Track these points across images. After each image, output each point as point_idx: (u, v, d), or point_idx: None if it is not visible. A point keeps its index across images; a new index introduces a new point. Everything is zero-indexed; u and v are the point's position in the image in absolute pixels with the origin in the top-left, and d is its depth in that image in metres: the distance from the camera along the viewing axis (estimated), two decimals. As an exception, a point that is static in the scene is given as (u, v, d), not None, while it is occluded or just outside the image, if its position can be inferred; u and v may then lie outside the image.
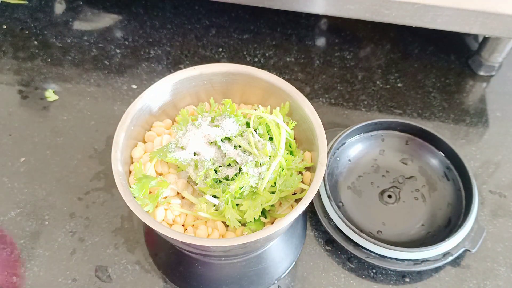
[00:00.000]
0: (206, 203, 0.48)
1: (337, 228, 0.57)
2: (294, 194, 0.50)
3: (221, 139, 0.49)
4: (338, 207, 0.59)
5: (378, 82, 0.76)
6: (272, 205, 0.49)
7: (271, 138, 0.50)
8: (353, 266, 0.58)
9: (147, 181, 0.46)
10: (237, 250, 0.48)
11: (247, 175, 0.46)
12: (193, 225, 0.49)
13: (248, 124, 0.51)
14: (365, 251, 0.56)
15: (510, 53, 0.74)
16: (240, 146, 0.49)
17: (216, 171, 0.48)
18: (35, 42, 0.79)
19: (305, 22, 0.83)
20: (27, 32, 0.81)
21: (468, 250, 0.57)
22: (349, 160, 0.65)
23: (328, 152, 0.61)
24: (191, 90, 0.55)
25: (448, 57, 0.80)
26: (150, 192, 0.48)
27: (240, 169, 0.47)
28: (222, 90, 0.56)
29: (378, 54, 0.80)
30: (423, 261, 0.56)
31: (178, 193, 0.50)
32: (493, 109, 0.74)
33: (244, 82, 0.54)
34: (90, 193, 0.63)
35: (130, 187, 0.46)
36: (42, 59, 0.77)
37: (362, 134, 0.65)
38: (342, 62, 0.78)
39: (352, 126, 0.64)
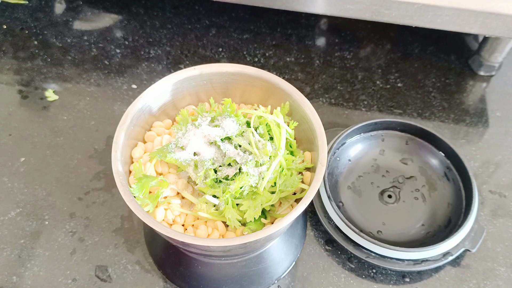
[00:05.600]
0: (206, 203, 0.48)
1: (337, 228, 0.57)
2: (294, 194, 0.50)
3: (221, 139, 0.49)
4: (338, 207, 0.59)
5: (378, 82, 0.76)
6: (272, 205, 0.49)
7: (271, 138, 0.50)
8: (353, 266, 0.58)
9: (147, 181, 0.46)
10: (237, 250, 0.48)
11: (247, 175, 0.46)
12: (193, 225, 0.49)
13: (248, 124, 0.51)
14: (365, 251, 0.56)
15: (510, 53, 0.74)
16: (240, 146, 0.49)
17: (216, 171, 0.48)
18: (35, 42, 0.79)
19: (305, 22, 0.83)
20: (27, 32, 0.81)
21: (468, 250, 0.57)
22: (349, 160, 0.65)
23: (328, 152, 0.61)
24: (191, 90, 0.55)
25: (448, 57, 0.80)
26: (150, 192, 0.48)
27: (240, 169, 0.47)
28: (222, 90, 0.56)
29: (378, 54, 0.80)
30: (423, 261, 0.56)
31: (178, 193, 0.50)
32: (493, 109, 0.74)
33: (244, 82, 0.54)
34: (90, 193, 0.63)
35: (130, 187, 0.46)
36: (42, 59, 0.77)
37: (362, 134, 0.65)
38: (342, 62, 0.78)
39: (352, 126, 0.64)
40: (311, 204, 0.60)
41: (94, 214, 0.61)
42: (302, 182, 0.50)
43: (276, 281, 0.56)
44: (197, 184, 0.49)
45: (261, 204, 0.47)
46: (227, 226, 0.49)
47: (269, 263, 0.56)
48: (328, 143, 0.55)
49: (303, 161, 0.51)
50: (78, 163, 0.65)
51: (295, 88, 0.52)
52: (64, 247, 0.58)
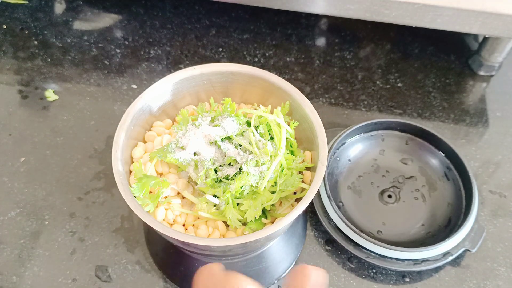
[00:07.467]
0: (207, 202, 0.48)
1: (337, 228, 0.57)
2: (295, 193, 0.50)
3: (221, 139, 0.49)
4: (338, 207, 0.59)
5: (378, 82, 0.76)
6: (272, 205, 0.49)
7: (271, 138, 0.50)
8: (353, 266, 0.58)
9: (148, 181, 0.46)
10: (237, 250, 0.48)
11: (248, 174, 0.46)
12: (193, 225, 0.49)
13: (248, 124, 0.51)
14: (365, 251, 0.56)
15: (510, 53, 0.74)
16: (240, 146, 0.49)
17: (216, 171, 0.48)
18: (35, 42, 0.79)
19: (305, 22, 0.83)
20: (27, 32, 0.81)
21: (468, 250, 0.57)
22: (349, 160, 0.65)
23: (328, 152, 0.61)
24: (191, 90, 0.55)
25: (448, 57, 0.80)
26: (150, 192, 0.48)
27: (240, 169, 0.47)
28: (222, 89, 0.56)
29: (378, 54, 0.80)
30: (423, 261, 0.56)
31: (178, 193, 0.50)
32: (493, 109, 0.74)
33: (244, 81, 0.54)
34: (90, 193, 0.63)
35: (131, 186, 0.46)
36: (42, 59, 0.77)
37: (362, 134, 0.65)
38: (342, 62, 0.78)
39: (352, 126, 0.64)
40: (311, 204, 0.60)
41: (94, 214, 0.61)
42: (303, 181, 0.50)
43: (276, 281, 0.56)
44: (197, 184, 0.49)
45: (262, 204, 0.47)
46: (227, 225, 0.49)
47: (270, 263, 0.56)
48: (328, 143, 0.55)
49: (303, 161, 0.51)
50: (78, 163, 0.65)
51: (295, 88, 0.52)
52: (64, 247, 0.58)
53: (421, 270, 0.57)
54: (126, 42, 0.79)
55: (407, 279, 0.58)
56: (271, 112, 0.52)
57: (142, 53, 0.78)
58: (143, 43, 0.79)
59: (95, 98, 0.72)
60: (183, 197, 0.50)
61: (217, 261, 0.54)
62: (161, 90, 0.52)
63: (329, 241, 0.60)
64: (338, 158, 0.64)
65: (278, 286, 0.56)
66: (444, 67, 0.79)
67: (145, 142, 0.53)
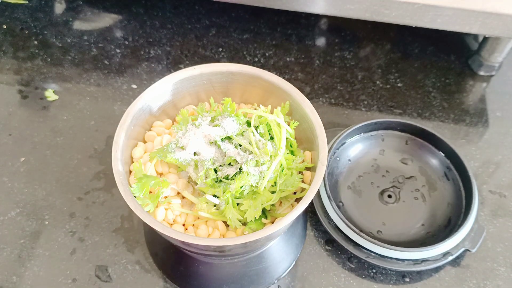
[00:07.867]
0: (207, 202, 0.48)
1: (337, 228, 0.57)
2: (295, 193, 0.50)
3: (221, 139, 0.49)
4: (338, 207, 0.59)
5: (378, 82, 0.76)
6: (272, 205, 0.49)
7: (271, 138, 0.50)
8: (353, 266, 0.58)
9: (148, 181, 0.46)
10: (237, 250, 0.48)
11: (248, 174, 0.46)
12: (193, 225, 0.49)
13: (248, 123, 0.51)
14: (365, 251, 0.56)
15: (510, 53, 0.74)
16: (240, 145, 0.49)
17: (216, 171, 0.48)
18: (35, 42, 0.79)
19: (305, 22, 0.83)
20: (27, 32, 0.81)
21: (468, 250, 0.57)
22: (349, 160, 0.65)
23: (328, 152, 0.61)
24: (191, 90, 0.55)
25: (448, 57, 0.80)
26: (150, 192, 0.48)
27: (240, 168, 0.47)
28: (222, 89, 0.56)
29: (378, 54, 0.80)
30: (423, 261, 0.56)
31: (178, 193, 0.50)
32: (493, 109, 0.74)
33: (244, 81, 0.54)
34: (90, 193, 0.63)
35: (131, 186, 0.46)
36: (42, 59, 0.77)
37: (362, 134, 0.65)
38: (342, 62, 0.78)
39: (352, 126, 0.64)
40: (311, 204, 0.60)
41: (94, 214, 0.61)
42: (303, 181, 0.50)
43: (276, 281, 0.56)
44: (197, 184, 0.49)
45: (262, 204, 0.47)
46: (227, 225, 0.49)
47: (269, 263, 0.56)
48: (328, 143, 0.55)
49: (303, 161, 0.51)
50: (78, 163, 0.65)
51: (295, 88, 0.52)
52: (64, 247, 0.58)
53: (421, 270, 0.57)
54: (126, 42, 0.79)
55: (407, 279, 0.58)
56: (271, 112, 0.52)
57: (142, 53, 0.78)
58: (143, 43, 0.79)
59: (95, 98, 0.72)
60: (183, 197, 0.50)
61: (217, 261, 0.55)
62: (161, 90, 0.52)
63: (329, 241, 0.60)
64: (338, 158, 0.64)
65: (278, 286, 0.56)
66: (444, 67, 0.79)
67: (145, 142, 0.53)
